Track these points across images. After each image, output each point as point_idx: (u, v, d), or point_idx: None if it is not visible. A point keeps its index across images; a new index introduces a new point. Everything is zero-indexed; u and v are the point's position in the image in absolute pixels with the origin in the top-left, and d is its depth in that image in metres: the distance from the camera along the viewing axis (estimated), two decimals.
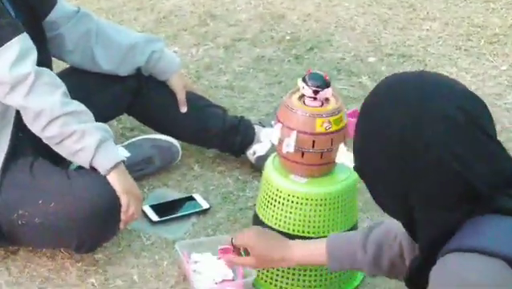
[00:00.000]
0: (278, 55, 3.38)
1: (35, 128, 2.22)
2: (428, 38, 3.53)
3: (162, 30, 3.51)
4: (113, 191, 2.23)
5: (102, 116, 2.63)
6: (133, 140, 2.74)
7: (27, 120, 2.23)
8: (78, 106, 2.24)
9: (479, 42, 3.50)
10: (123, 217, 2.26)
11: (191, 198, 2.59)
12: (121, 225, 2.29)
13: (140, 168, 2.64)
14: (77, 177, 2.25)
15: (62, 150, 2.24)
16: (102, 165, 2.23)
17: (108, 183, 2.23)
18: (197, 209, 2.55)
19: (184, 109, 2.66)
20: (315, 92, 2.15)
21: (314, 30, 3.56)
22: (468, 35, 3.56)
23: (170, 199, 2.59)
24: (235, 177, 2.70)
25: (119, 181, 2.24)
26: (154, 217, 2.51)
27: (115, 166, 2.23)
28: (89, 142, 2.20)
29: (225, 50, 3.40)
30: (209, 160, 2.77)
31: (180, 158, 2.74)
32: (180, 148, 2.73)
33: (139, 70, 2.63)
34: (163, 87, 2.67)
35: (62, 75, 2.58)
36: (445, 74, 3.23)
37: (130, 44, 2.58)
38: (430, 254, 1.47)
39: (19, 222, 2.24)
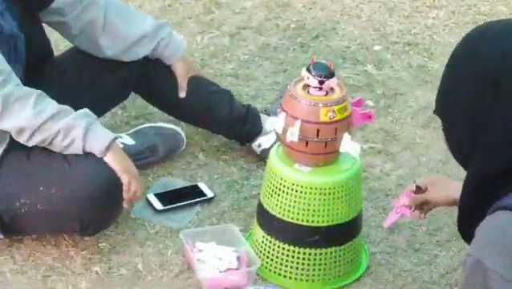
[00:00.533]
0: (283, 43, 3.37)
1: (21, 140, 2.23)
2: (434, 26, 3.52)
3: (167, 17, 3.50)
4: (112, 170, 2.24)
5: (107, 98, 2.65)
6: (138, 128, 2.74)
7: (12, 135, 2.24)
8: (52, 107, 2.21)
9: None
10: (125, 195, 2.27)
11: (195, 187, 2.59)
12: (124, 204, 2.30)
13: (145, 157, 2.64)
14: (75, 161, 2.24)
15: (54, 148, 2.24)
16: (95, 149, 2.23)
17: (106, 163, 2.23)
18: (202, 198, 2.54)
19: (182, 94, 2.65)
20: (321, 82, 2.15)
21: (319, 18, 3.54)
22: (474, 23, 3.53)
23: (175, 188, 2.59)
24: (240, 165, 2.70)
25: (116, 161, 2.24)
26: (158, 205, 2.51)
27: (109, 146, 2.23)
28: (76, 133, 2.21)
29: (231, 39, 3.39)
30: (214, 148, 2.77)
31: (184, 146, 2.73)
32: (184, 137, 2.73)
33: (146, 56, 2.62)
34: (170, 71, 2.66)
35: (69, 56, 2.58)
36: None
37: (138, 35, 2.56)
38: (478, 198, 1.58)
39: (22, 210, 2.24)
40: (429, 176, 2.26)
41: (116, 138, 2.28)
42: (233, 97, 2.71)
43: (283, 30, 3.46)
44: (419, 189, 2.22)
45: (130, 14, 2.62)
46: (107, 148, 2.23)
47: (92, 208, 2.23)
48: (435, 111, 1.70)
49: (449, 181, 2.20)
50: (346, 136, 2.17)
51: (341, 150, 2.18)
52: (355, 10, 3.62)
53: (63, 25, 2.51)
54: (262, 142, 2.64)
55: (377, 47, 3.36)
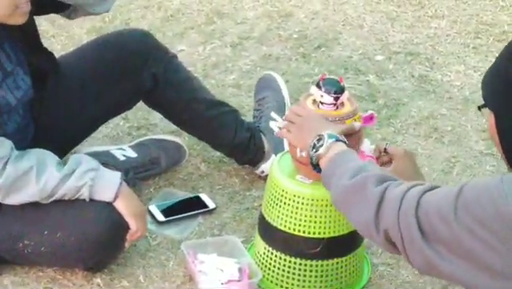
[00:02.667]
0: (285, 54, 3.37)
1: None
2: (436, 36, 3.52)
3: (169, 28, 3.51)
4: (119, 214, 2.23)
5: (114, 111, 2.64)
6: (140, 140, 2.74)
7: None
8: (55, 176, 2.18)
9: (488, 40, 3.49)
10: (129, 238, 2.28)
11: (197, 198, 2.59)
12: (127, 245, 2.30)
13: (147, 169, 2.64)
14: (81, 204, 2.23)
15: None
16: (105, 198, 2.23)
17: (113, 206, 2.23)
18: (203, 209, 2.54)
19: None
20: (336, 99, 2.13)
21: (321, 29, 3.55)
22: (476, 33, 3.54)
23: (176, 199, 2.59)
24: (241, 176, 2.69)
25: (125, 207, 2.24)
26: (160, 217, 2.51)
27: (118, 193, 2.23)
28: (82, 191, 2.20)
29: (233, 49, 3.39)
30: (216, 159, 2.76)
31: (187, 158, 2.73)
32: (187, 149, 2.72)
33: (155, 74, 2.57)
34: (180, 85, 2.61)
35: (75, 66, 2.53)
36: (453, 72, 3.26)
37: None
38: None
39: (25, 251, 2.24)
40: (399, 150, 2.09)
41: (123, 180, 2.26)
42: (239, 120, 2.67)
43: (285, 40, 3.46)
44: (385, 154, 2.13)
45: None
46: (116, 195, 2.23)
47: (98, 252, 2.24)
48: (483, 106, 1.60)
49: (415, 169, 2.08)
50: (366, 142, 2.16)
51: (368, 152, 2.16)
52: (357, 20, 3.62)
53: None
54: (265, 169, 2.64)
55: (379, 57, 3.36)
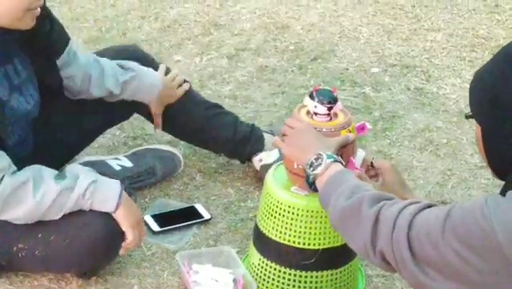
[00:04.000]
0: (281, 65, 3.38)
1: None
2: (432, 49, 3.53)
3: (166, 38, 3.52)
4: (115, 221, 2.22)
5: (112, 121, 2.68)
6: (136, 150, 2.74)
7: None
8: (52, 191, 2.14)
9: (483, 54, 3.50)
10: (125, 246, 2.27)
11: (192, 208, 2.59)
12: (121, 251, 2.29)
13: (143, 179, 2.64)
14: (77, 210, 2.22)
15: None
16: (104, 210, 2.21)
17: (108, 213, 2.21)
18: (199, 220, 2.54)
19: (158, 129, 2.68)
20: (329, 109, 2.14)
21: (318, 41, 3.56)
22: (472, 46, 3.55)
23: (171, 209, 2.59)
24: (237, 187, 2.70)
25: (124, 218, 2.22)
26: (155, 227, 2.51)
27: (118, 204, 2.21)
28: (82, 204, 2.19)
29: (229, 60, 3.40)
30: (211, 170, 2.77)
31: (182, 168, 2.74)
32: (182, 159, 2.73)
33: None
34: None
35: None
36: (449, 85, 3.27)
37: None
38: None
39: (19, 255, 2.23)
40: (386, 164, 2.08)
41: (122, 189, 2.23)
42: (237, 118, 2.72)
43: (282, 52, 3.48)
44: (371, 169, 2.12)
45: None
46: (117, 207, 2.21)
47: (91, 257, 2.23)
48: (470, 116, 1.62)
49: (402, 182, 2.07)
50: (360, 151, 2.16)
51: (357, 165, 2.16)
52: (353, 32, 3.63)
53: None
54: (264, 157, 2.65)
55: (375, 70, 3.37)
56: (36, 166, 2.19)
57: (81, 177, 2.19)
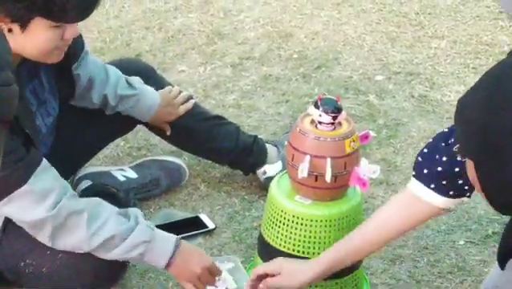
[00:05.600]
0: (285, 74, 3.38)
1: None
2: (436, 56, 3.53)
3: (170, 48, 3.52)
4: None
5: (116, 133, 2.69)
6: (140, 160, 2.75)
7: None
8: (109, 229, 2.12)
9: (487, 60, 3.50)
10: None
11: (197, 218, 2.59)
12: None
13: (147, 190, 2.65)
14: None
15: None
16: (156, 265, 2.20)
17: None
18: (203, 230, 2.55)
19: (168, 132, 2.67)
20: (334, 118, 2.14)
21: (321, 49, 3.56)
22: (476, 53, 3.55)
23: (176, 219, 2.59)
24: (241, 196, 2.70)
25: (178, 275, 2.21)
26: None
27: (170, 262, 2.17)
28: (132, 256, 2.17)
29: (233, 69, 3.40)
30: (216, 179, 2.77)
31: (186, 178, 2.74)
32: (187, 170, 2.73)
33: None
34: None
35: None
36: (453, 92, 3.27)
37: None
38: None
39: (26, 271, 2.22)
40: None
41: (178, 246, 2.18)
42: (239, 129, 2.72)
43: (285, 60, 3.48)
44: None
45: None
46: (169, 264, 2.18)
47: (98, 278, 2.22)
48: (463, 153, 1.48)
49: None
50: (364, 160, 2.17)
51: (361, 175, 2.16)
52: (357, 40, 3.63)
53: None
54: (268, 170, 2.65)
55: (379, 77, 3.37)
56: (94, 199, 2.17)
57: (136, 231, 2.15)
